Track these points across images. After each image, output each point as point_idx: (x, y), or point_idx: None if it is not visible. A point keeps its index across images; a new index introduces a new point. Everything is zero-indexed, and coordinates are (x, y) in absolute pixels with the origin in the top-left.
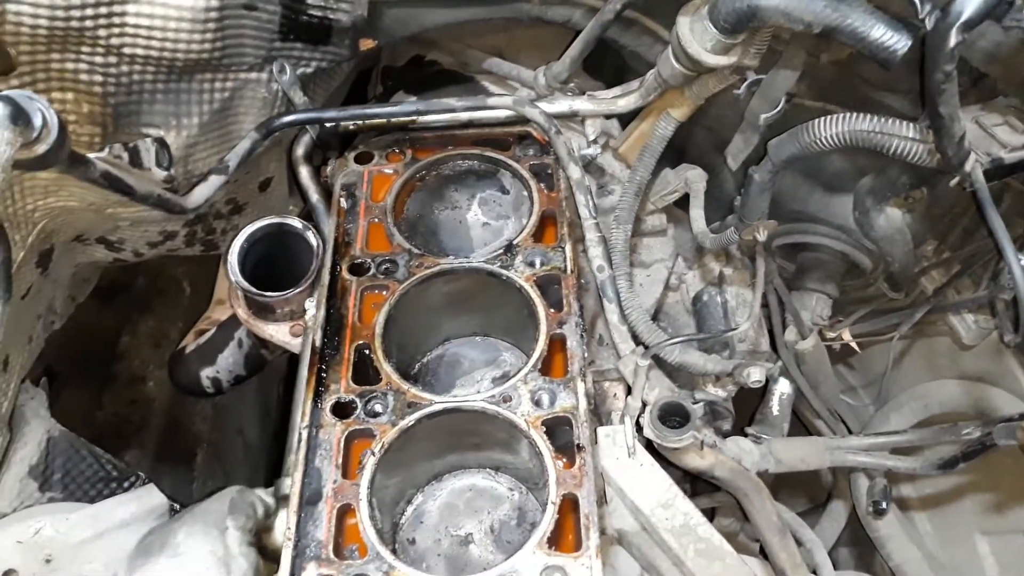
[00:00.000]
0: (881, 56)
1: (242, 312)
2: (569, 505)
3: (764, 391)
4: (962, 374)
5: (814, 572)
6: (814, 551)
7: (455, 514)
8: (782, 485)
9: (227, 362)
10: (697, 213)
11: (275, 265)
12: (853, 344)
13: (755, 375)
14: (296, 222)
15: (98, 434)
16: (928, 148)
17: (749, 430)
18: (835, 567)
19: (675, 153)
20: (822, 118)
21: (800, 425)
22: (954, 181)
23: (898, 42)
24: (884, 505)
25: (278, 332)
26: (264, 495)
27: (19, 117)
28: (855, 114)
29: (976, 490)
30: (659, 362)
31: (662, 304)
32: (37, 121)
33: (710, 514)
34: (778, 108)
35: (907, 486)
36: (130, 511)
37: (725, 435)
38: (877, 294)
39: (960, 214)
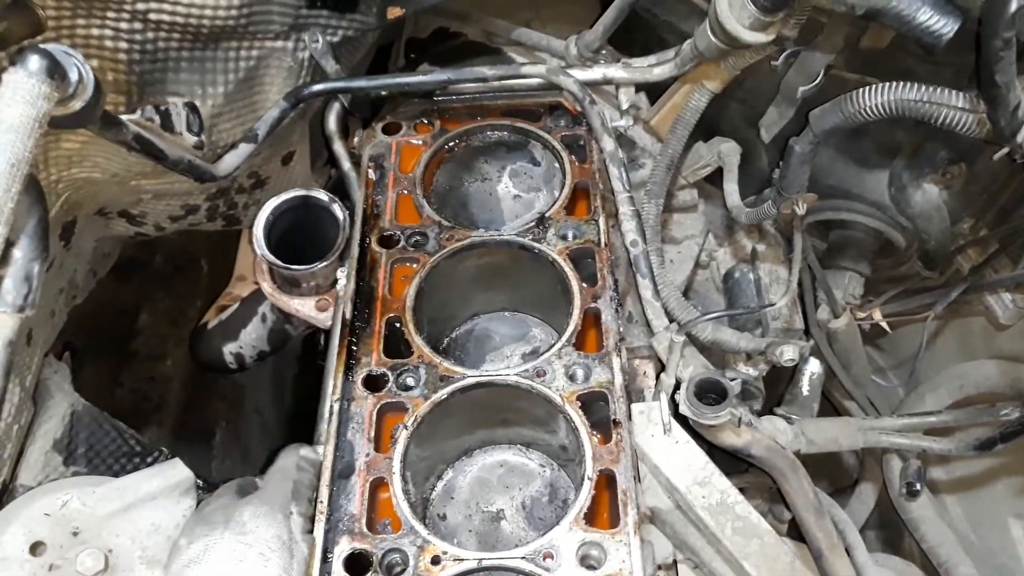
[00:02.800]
0: (927, 40)
1: (267, 286)
2: (605, 481)
3: (794, 371)
4: (998, 354)
5: (847, 552)
6: (846, 531)
7: (486, 490)
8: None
9: (250, 337)
10: (731, 187)
11: (300, 238)
12: (884, 324)
13: (788, 353)
14: (322, 195)
15: (117, 410)
16: (979, 119)
17: (779, 411)
18: None
19: (706, 127)
20: (867, 87)
21: (829, 406)
22: (999, 153)
23: (944, 26)
24: (918, 486)
25: (304, 307)
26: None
27: (56, 71)
28: (902, 83)
29: (1009, 473)
30: (691, 340)
31: (692, 282)
32: (73, 76)
33: None
34: (816, 81)
35: (938, 469)
36: (156, 485)
37: (757, 415)
38: (910, 273)
39: (999, 191)
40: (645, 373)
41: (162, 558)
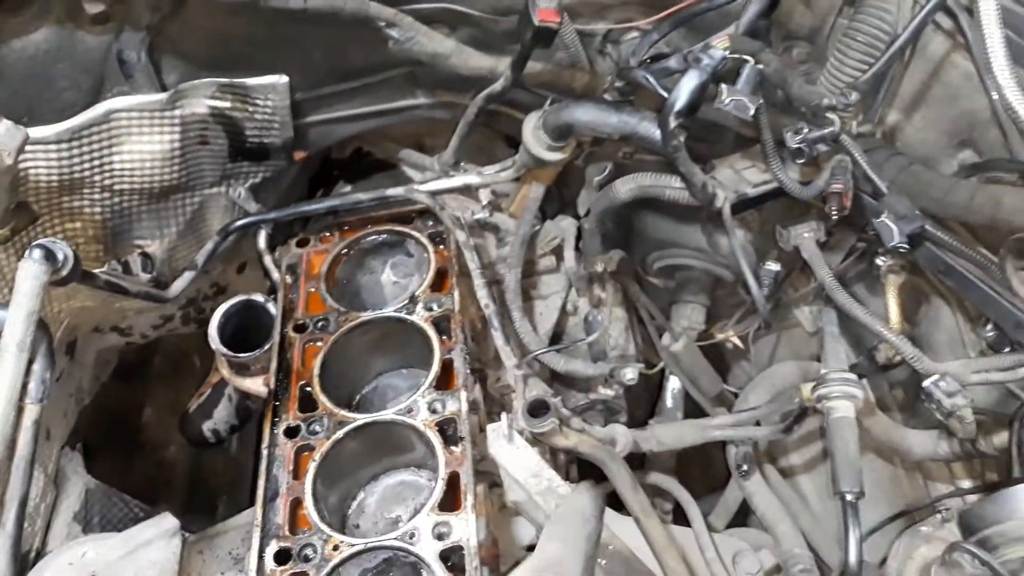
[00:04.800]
0: (658, 149)
1: (225, 372)
2: (455, 479)
3: (659, 389)
4: (813, 356)
5: (689, 526)
6: (688, 508)
7: (388, 503)
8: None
9: (221, 415)
10: (569, 254)
11: (249, 332)
12: (736, 341)
13: (629, 374)
14: (260, 297)
15: (130, 494)
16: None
17: (651, 421)
18: None
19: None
20: (618, 179)
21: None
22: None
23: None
24: (746, 467)
25: (254, 384)
26: None
27: (50, 256)
28: (642, 173)
29: None
30: (555, 374)
31: (564, 327)
32: (60, 256)
33: None
34: (606, 171)
35: (794, 455)
36: (152, 532)
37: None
38: (745, 299)
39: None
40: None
41: None
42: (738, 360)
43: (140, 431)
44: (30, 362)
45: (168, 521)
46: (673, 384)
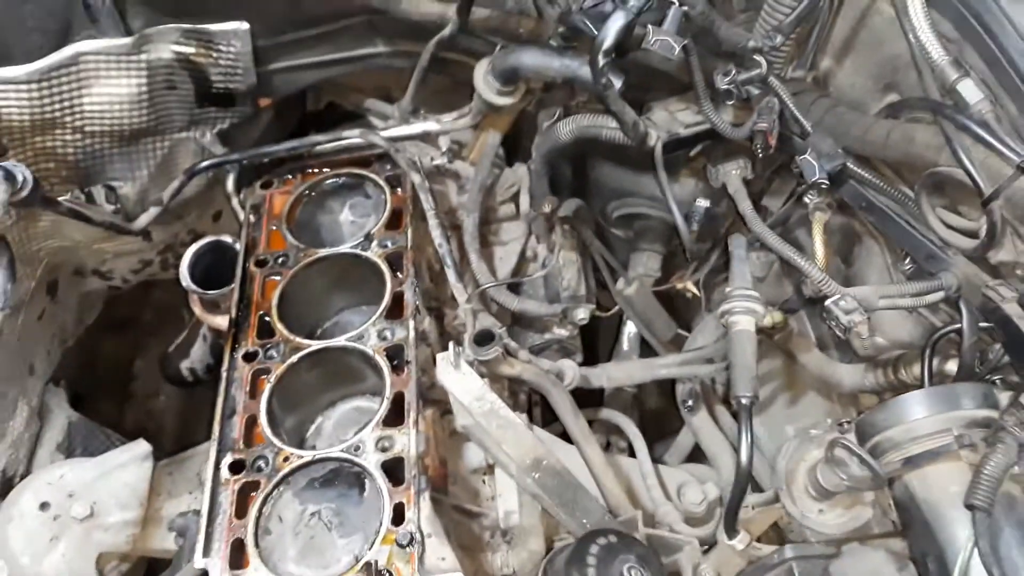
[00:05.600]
0: (593, 89)
1: (198, 310)
2: (400, 398)
3: (618, 332)
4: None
5: (633, 456)
6: (634, 440)
7: (344, 426)
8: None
9: (198, 354)
10: (524, 199)
11: (219, 272)
12: (692, 288)
13: (580, 313)
14: (228, 238)
15: None
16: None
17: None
18: None
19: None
20: (560, 121)
21: None
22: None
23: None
24: (691, 403)
25: (224, 322)
26: None
27: (9, 177)
28: (581, 114)
29: (784, 390)
30: (517, 317)
31: (523, 273)
32: (19, 178)
33: None
34: (555, 116)
35: None
36: (126, 456)
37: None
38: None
39: None
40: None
41: (131, 503)
42: (699, 309)
43: (130, 381)
44: None
45: (141, 446)
46: (629, 329)
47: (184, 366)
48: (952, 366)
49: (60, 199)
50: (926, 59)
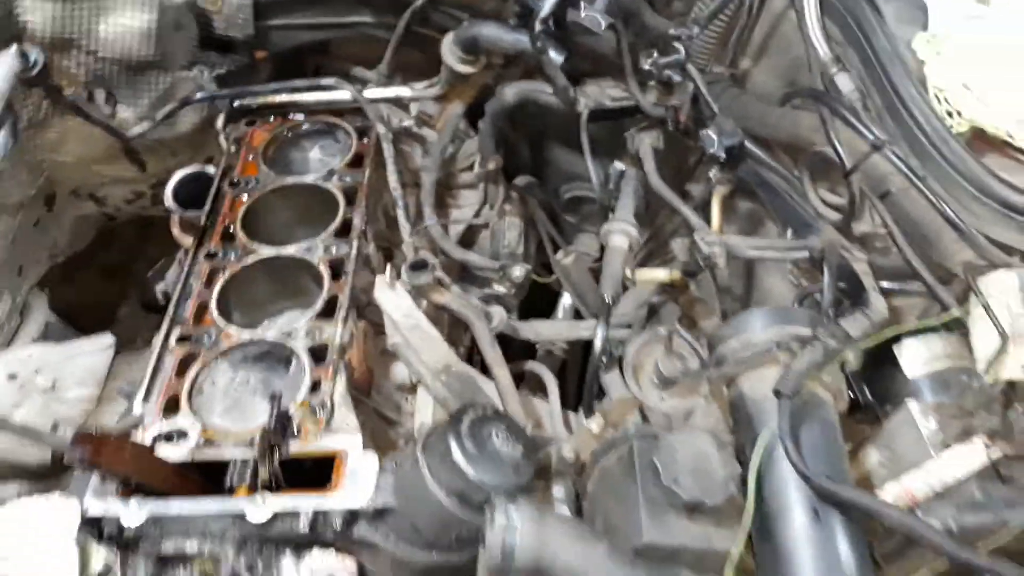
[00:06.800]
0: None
1: (176, 231)
2: (334, 300)
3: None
4: None
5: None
6: (549, 385)
7: None
8: None
9: (171, 277)
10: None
11: (201, 199)
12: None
13: (517, 271)
14: (210, 168)
15: None
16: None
17: None
18: None
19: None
20: (507, 85)
21: None
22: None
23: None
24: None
25: None
26: None
27: (24, 56)
28: (526, 81)
29: None
30: (462, 275)
31: (474, 236)
32: (32, 58)
33: None
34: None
35: None
36: (91, 345)
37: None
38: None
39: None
40: None
41: (89, 382)
42: None
43: (111, 324)
44: None
45: (106, 339)
46: (565, 301)
47: (158, 289)
48: None
49: (64, 92)
50: (814, 56)
